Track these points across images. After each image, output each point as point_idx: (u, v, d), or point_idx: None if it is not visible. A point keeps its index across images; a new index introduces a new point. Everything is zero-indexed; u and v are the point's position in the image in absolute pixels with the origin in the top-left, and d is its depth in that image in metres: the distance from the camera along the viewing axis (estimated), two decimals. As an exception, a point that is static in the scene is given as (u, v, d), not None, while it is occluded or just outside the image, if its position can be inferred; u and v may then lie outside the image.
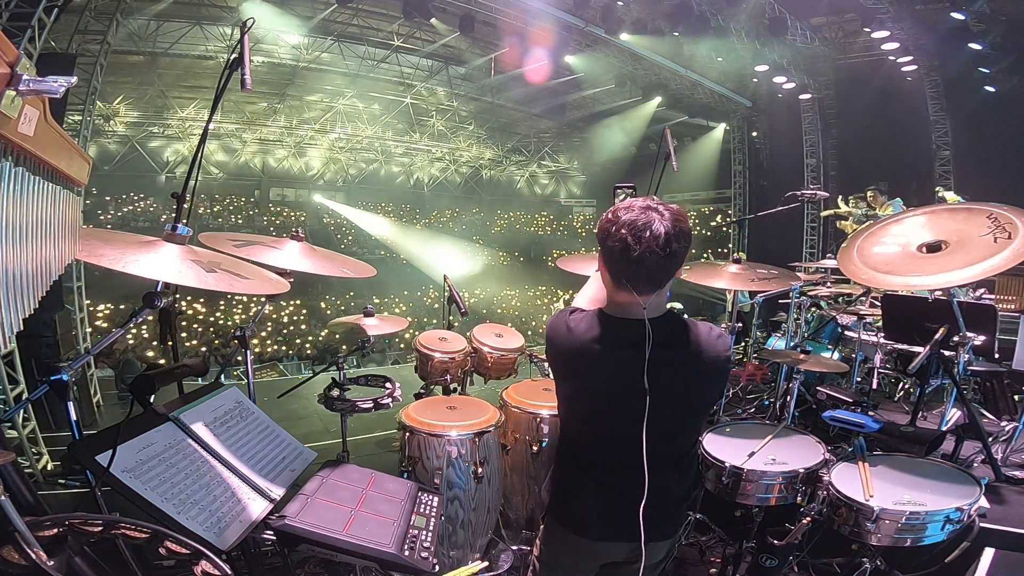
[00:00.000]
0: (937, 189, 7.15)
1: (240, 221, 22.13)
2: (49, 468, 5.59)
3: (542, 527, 1.67)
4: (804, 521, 1.97)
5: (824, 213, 8.84)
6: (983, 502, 1.76)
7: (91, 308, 10.15)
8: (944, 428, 2.64)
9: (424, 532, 1.62)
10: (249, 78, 1.82)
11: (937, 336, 2.37)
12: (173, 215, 1.87)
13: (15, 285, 0.94)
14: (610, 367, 1.45)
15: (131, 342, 13.26)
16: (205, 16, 13.02)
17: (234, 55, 1.85)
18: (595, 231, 1.50)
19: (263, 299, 2.52)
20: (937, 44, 10.16)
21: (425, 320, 18.28)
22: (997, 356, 3.28)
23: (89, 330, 8.43)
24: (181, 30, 13.37)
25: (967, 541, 1.82)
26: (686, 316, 1.57)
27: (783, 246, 11.36)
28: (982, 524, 1.81)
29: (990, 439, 2.59)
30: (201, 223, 18.92)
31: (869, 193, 6.97)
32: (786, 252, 9.58)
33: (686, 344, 1.45)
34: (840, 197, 8.01)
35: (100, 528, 1.10)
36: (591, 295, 1.70)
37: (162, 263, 1.48)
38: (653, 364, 1.38)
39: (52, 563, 1.02)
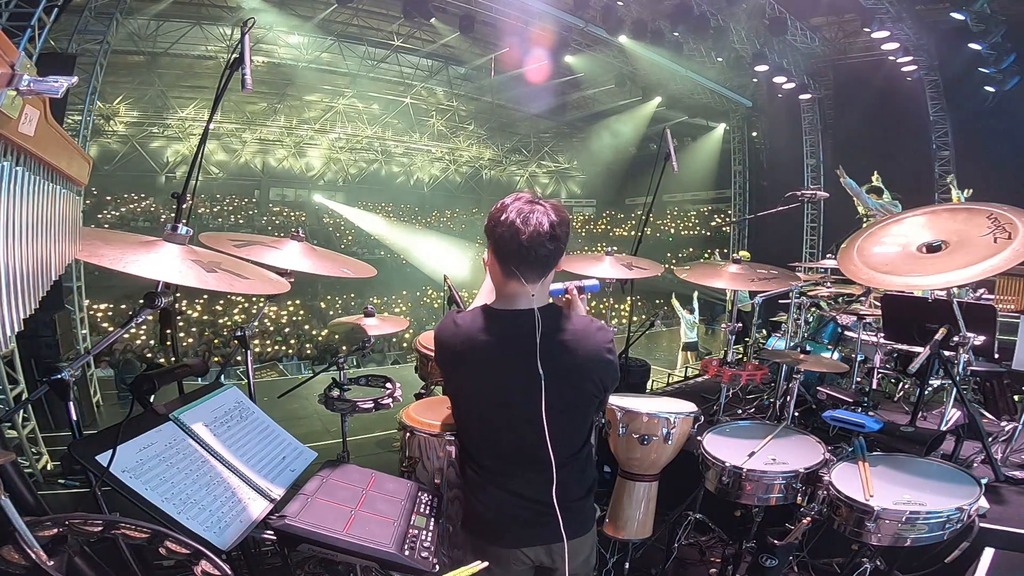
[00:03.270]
0: (949, 179, 6.96)
1: (240, 221, 22.15)
2: (49, 468, 5.60)
3: (464, 545, 1.63)
4: (804, 521, 1.97)
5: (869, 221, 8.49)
6: (983, 502, 1.76)
7: (91, 309, 10.16)
8: (944, 428, 2.64)
9: (424, 532, 1.61)
10: (250, 78, 1.82)
11: (937, 336, 2.37)
12: (173, 215, 1.87)
13: (15, 285, 0.93)
14: (501, 358, 1.47)
15: (138, 341, 13.27)
16: (205, 16, 13.03)
17: (234, 55, 1.85)
18: (483, 226, 1.55)
19: (263, 299, 2.51)
20: (937, 44, 10.17)
21: (425, 320, 18.29)
22: (997, 356, 3.27)
23: (88, 330, 8.43)
24: (181, 30, 13.38)
25: (967, 541, 1.82)
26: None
27: (783, 246, 11.36)
28: (982, 524, 1.81)
29: (990, 439, 2.59)
30: (201, 223, 18.93)
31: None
32: (786, 252, 9.58)
33: (569, 333, 1.49)
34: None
35: (100, 528, 1.09)
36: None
37: (162, 263, 1.47)
38: (542, 353, 1.42)
39: (52, 563, 1.02)
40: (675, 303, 10.54)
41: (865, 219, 7.38)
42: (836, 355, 3.88)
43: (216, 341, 15.80)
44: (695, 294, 10.41)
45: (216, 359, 13.09)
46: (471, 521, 1.61)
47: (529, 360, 1.42)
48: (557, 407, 1.45)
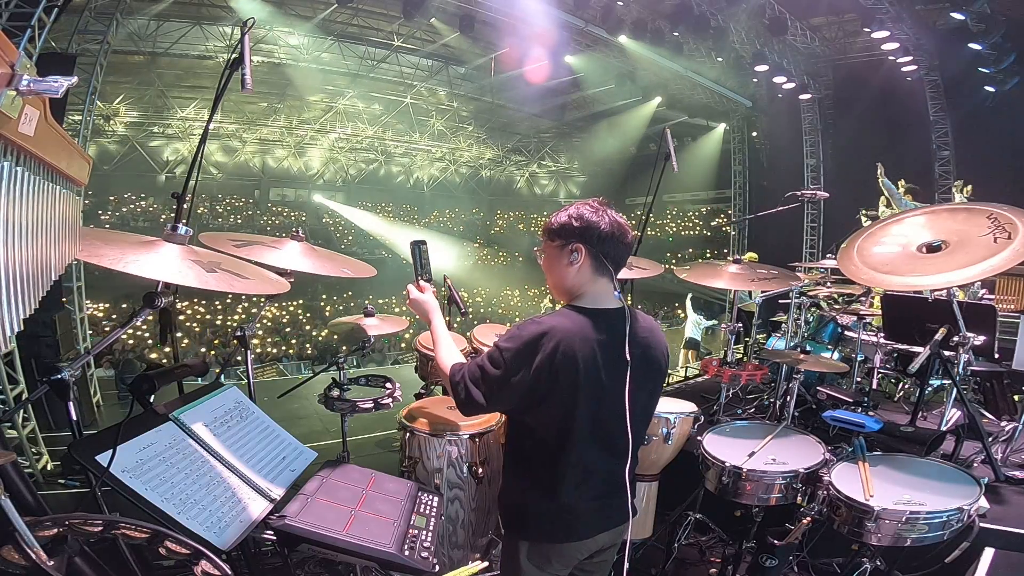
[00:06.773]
0: (956, 183, 7.03)
1: (240, 221, 22.13)
2: (49, 468, 5.59)
3: (516, 549, 1.56)
4: (804, 521, 1.97)
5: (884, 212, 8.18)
6: (983, 502, 1.76)
7: (91, 308, 10.15)
8: (944, 428, 2.64)
9: (424, 532, 1.62)
10: (250, 78, 1.82)
11: (937, 336, 2.37)
12: (173, 215, 1.86)
13: (15, 285, 0.93)
14: (604, 355, 1.47)
15: (136, 340, 13.25)
16: (205, 16, 13.01)
17: (234, 55, 1.85)
18: (557, 227, 1.56)
19: (263, 299, 2.51)
20: (937, 44, 10.16)
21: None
22: (997, 356, 3.28)
23: (89, 331, 8.42)
24: (181, 30, 13.36)
25: (967, 541, 1.82)
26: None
27: (783, 246, 11.35)
28: (982, 524, 1.81)
29: (990, 439, 2.59)
30: (201, 223, 18.92)
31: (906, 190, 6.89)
32: (786, 252, 9.57)
33: (646, 327, 1.59)
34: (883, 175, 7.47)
35: (100, 528, 1.09)
36: (453, 348, 1.68)
37: (162, 263, 1.47)
38: (632, 344, 1.49)
39: (52, 563, 1.02)
40: (688, 303, 10.45)
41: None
42: (836, 355, 3.88)
43: (216, 341, 15.79)
44: (712, 322, 10.12)
45: (213, 359, 13.08)
46: (552, 529, 1.54)
47: (623, 353, 1.49)
48: (644, 395, 1.55)
